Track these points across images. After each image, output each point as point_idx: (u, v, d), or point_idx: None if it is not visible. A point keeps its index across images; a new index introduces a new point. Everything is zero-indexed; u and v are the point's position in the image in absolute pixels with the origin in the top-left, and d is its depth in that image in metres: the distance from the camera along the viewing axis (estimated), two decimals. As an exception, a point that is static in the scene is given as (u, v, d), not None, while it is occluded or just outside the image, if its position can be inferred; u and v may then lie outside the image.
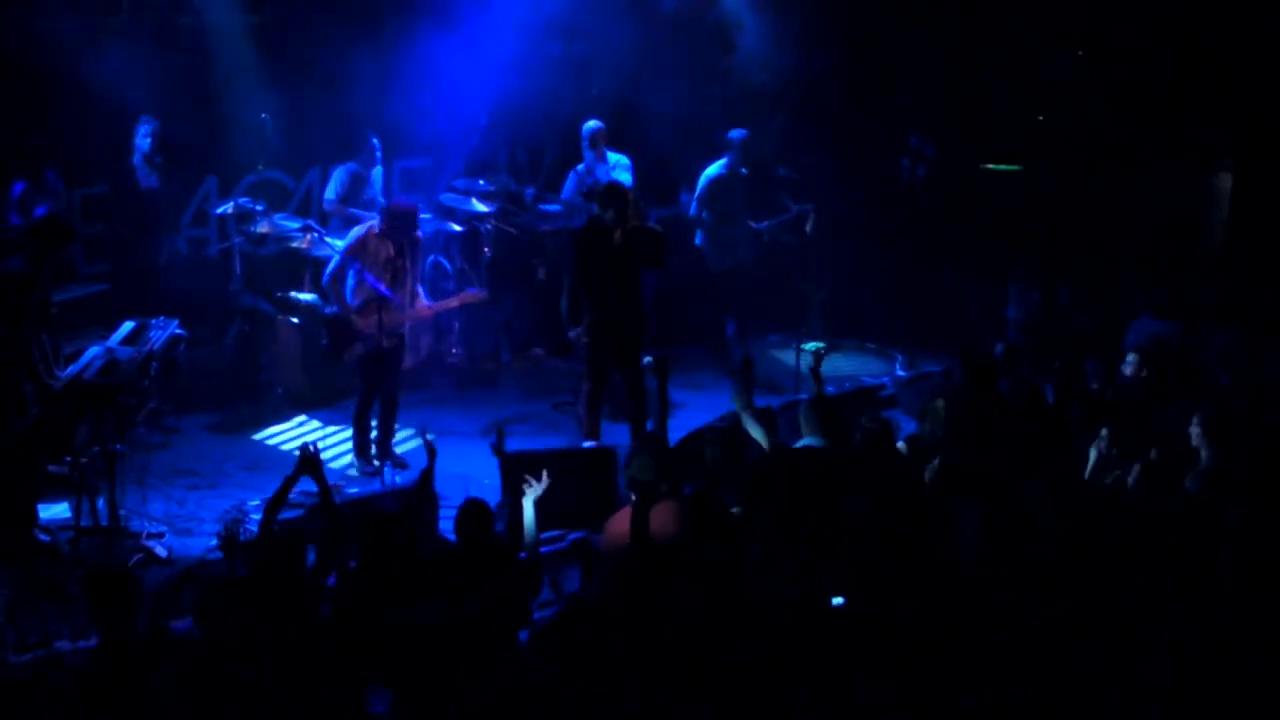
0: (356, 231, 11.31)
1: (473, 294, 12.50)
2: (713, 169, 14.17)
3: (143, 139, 12.66)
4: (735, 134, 14.14)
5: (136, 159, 12.69)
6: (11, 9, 12.18)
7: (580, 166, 13.83)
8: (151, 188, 12.81)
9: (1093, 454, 9.37)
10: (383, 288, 10.96)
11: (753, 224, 14.40)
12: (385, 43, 14.02)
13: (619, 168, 13.69)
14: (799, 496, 8.76)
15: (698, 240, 14.31)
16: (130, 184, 12.74)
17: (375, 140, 13.38)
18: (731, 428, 10.14)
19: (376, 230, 11.18)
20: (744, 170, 14.19)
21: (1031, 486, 8.75)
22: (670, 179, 15.01)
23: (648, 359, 11.20)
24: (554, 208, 14.04)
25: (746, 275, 14.51)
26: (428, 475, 9.25)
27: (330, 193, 13.36)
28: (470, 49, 14.04)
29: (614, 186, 11.80)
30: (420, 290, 11.68)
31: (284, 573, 7.62)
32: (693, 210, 14.25)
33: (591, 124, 13.81)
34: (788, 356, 14.15)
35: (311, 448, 8.18)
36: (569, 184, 13.93)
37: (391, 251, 11.16)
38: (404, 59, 14.07)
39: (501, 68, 14.23)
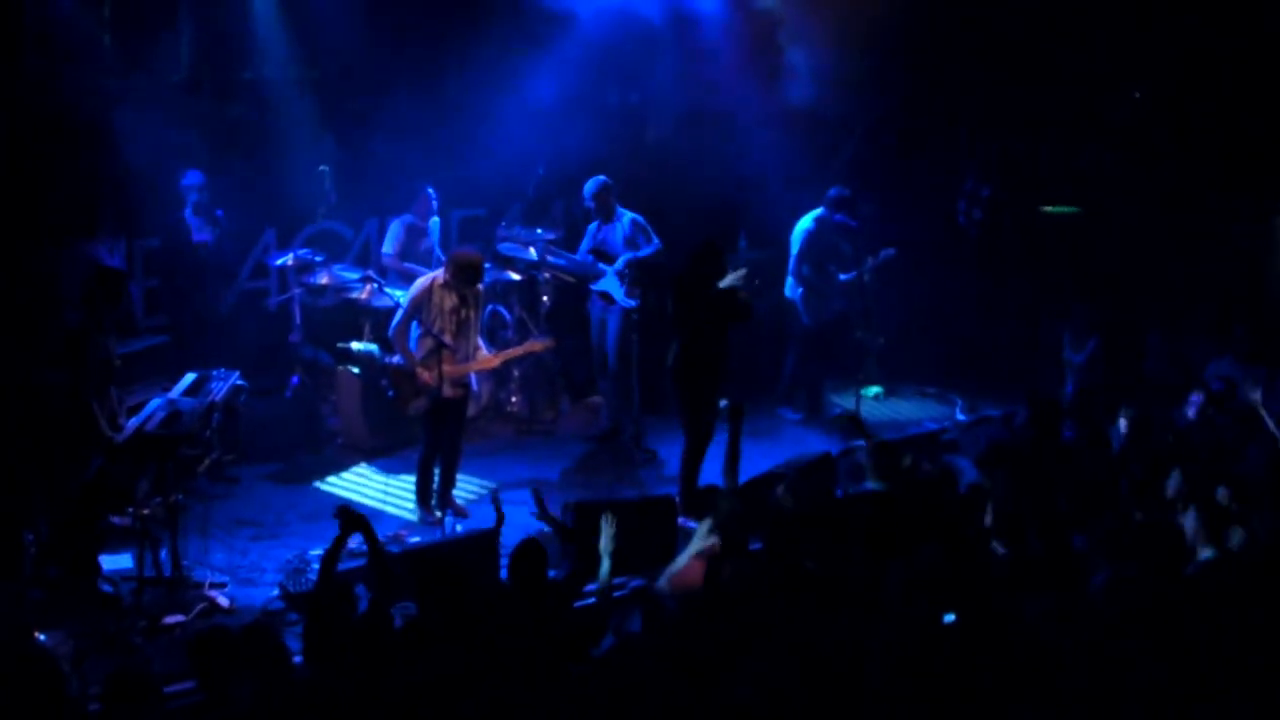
0: (420, 282, 11.27)
1: (538, 342, 12.51)
2: (805, 222, 13.95)
3: (192, 192, 12.74)
4: (835, 193, 13.94)
5: (187, 212, 12.77)
6: (75, 65, 12.32)
7: (593, 224, 13.40)
8: (204, 241, 12.89)
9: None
10: (445, 338, 10.96)
11: (841, 276, 14.13)
12: (443, 93, 14.12)
13: (634, 228, 13.14)
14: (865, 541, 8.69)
15: (789, 293, 14.06)
16: (183, 237, 12.82)
17: (430, 190, 13.43)
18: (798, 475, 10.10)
19: (440, 280, 11.18)
20: (833, 220, 13.96)
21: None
22: (730, 224, 14.88)
23: (723, 403, 11.18)
24: (561, 262, 13.61)
25: (844, 330, 14.35)
26: (494, 534, 9.28)
27: (387, 247, 13.43)
28: (527, 98, 14.12)
29: (708, 245, 11.66)
30: (481, 341, 11.67)
31: (336, 619, 7.64)
32: (791, 265, 13.99)
33: (594, 181, 13.15)
34: (847, 402, 14.09)
35: (348, 510, 8.22)
36: (584, 241, 13.45)
37: (455, 301, 11.15)
38: (461, 108, 14.18)
39: (558, 116, 14.30)
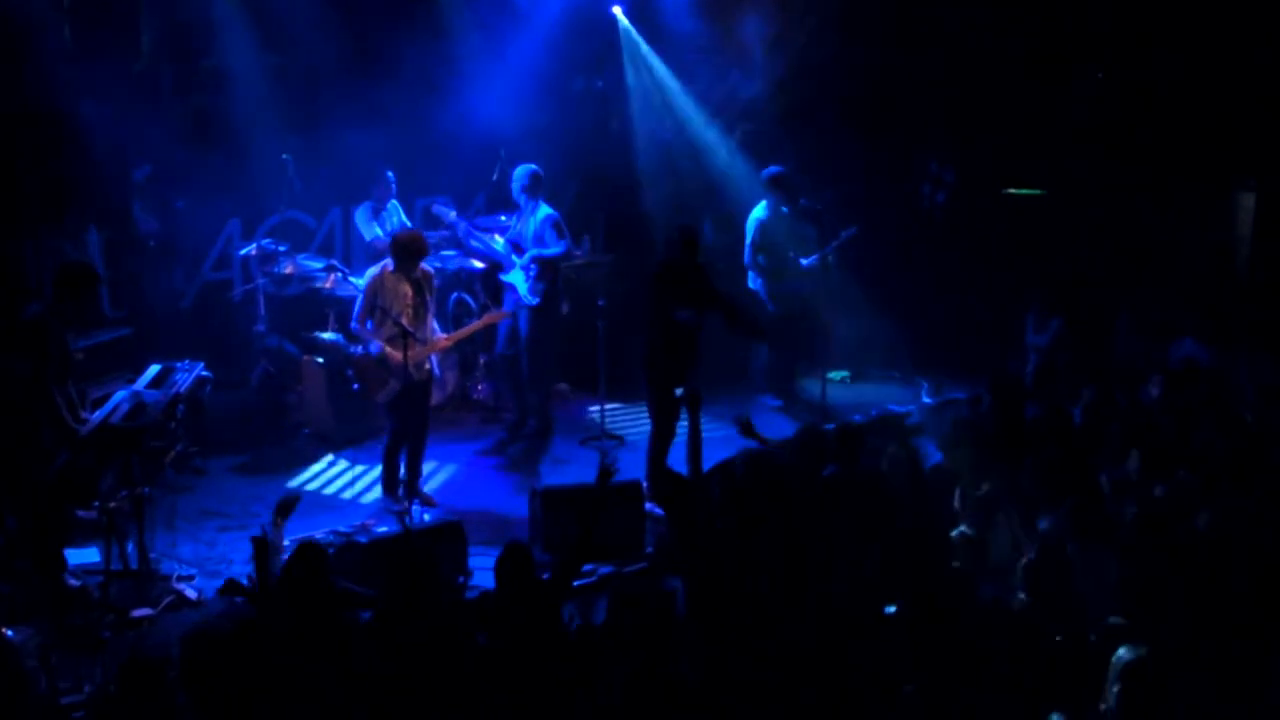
0: (372, 271, 11.25)
1: (496, 314, 12.49)
2: (758, 211, 13.89)
3: (142, 182, 12.68)
4: (770, 172, 13.94)
5: (135, 203, 12.72)
6: (33, 57, 12.26)
7: (507, 215, 13.24)
8: (151, 231, 12.83)
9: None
10: (404, 322, 10.92)
11: (803, 261, 14.02)
12: (406, 81, 14.07)
13: (545, 224, 12.72)
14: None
15: (751, 284, 13.99)
16: (130, 228, 12.75)
17: (390, 174, 13.40)
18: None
19: (391, 268, 11.16)
20: (785, 209, 13.89)
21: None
22: (693, 213, 14.83)
23: (679, 391, 11.20)
24: (479, 247, 13.36)
25: (811, 313, 14.21)
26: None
27: (370, 234, 13.34)
28: (492, 85, 14.10)
29: (688, 229, 11.70)
30: (435, 325, 11.56)
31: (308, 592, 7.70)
32: (747, 257, 13.94)
33: (523, 169, 12.84)
34: (813, 385, 14.12)
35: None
36: (509, 231, 13.18)
37: (408, 286, 11.13)
38: (425, 96, 14.14)
39: (523, 103, 14.28)
